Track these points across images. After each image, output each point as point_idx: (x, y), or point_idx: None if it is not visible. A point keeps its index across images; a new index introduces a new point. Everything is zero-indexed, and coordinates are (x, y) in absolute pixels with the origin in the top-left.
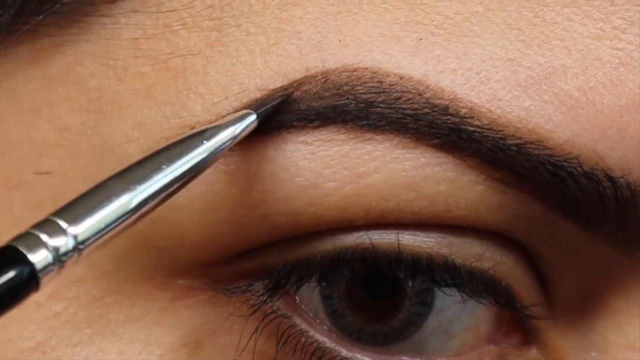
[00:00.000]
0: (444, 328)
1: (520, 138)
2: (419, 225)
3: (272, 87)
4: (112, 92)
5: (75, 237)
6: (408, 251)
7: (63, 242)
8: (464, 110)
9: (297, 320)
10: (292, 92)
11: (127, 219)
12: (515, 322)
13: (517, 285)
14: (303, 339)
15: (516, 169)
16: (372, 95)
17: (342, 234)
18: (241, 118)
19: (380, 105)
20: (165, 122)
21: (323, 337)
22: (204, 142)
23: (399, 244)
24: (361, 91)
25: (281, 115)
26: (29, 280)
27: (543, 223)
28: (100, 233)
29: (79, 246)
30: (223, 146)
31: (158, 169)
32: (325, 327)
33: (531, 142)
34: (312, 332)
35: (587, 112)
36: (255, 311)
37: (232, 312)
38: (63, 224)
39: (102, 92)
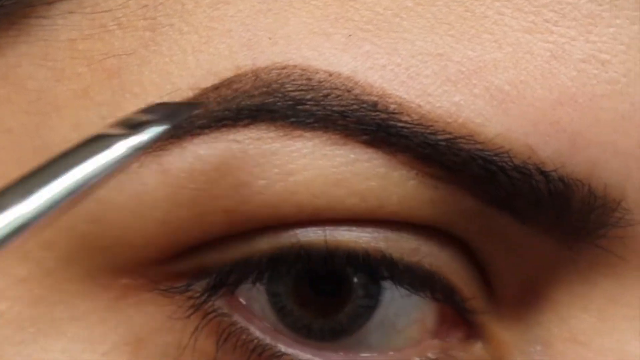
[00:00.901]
0: (391, 321)
1: (450, 133)
2: (354, 221)
3: (203, 85)
4: (50, 94)
5: None
6: (344, 247)
7: None
8: (392, 106)
9: (238, 318)
10: (198, 104)
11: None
12: (459, 316)
13: (457, 279)
14: (243, 337)
15: (447, 164)
16: (300, 92)
17: (277, 232)
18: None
19: (309, 102)
20: (102, 122)
21: (264, 334)
22: (111, 146)
23: (326, 239)
24: (290, 89)
25: (213, 113)
26: None
27: (479, 217)
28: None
29: None
30: (129, 154)
31: (62, 171)
32: (268, 324)
33: (461, 137)
34: (252, 329)
35: (518, 105)
36: (196, 310)
37: (174, 310)
38: None
39: (41, 93)
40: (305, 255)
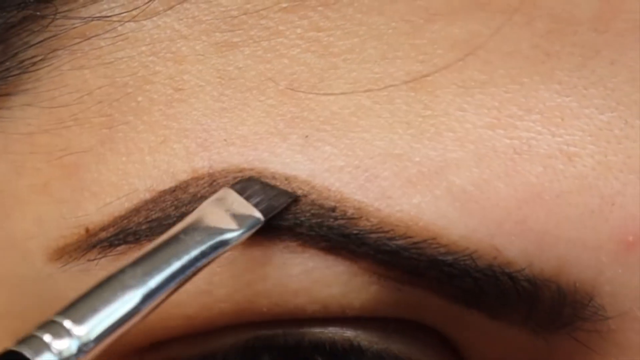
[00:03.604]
0: None
1: (411, 237)
2: (318, 320)
3: (161, 188)
4: (12, 187)
5: (79, 338)
6: (309, 337)
7: (66, 345)
8: (351, 211)
9: None
10: (298, 196)
11: (133, 317)
12: None
13: None
14: None
15: (409, 268)
16: None
17: (241, 329)
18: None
19: None
20: (62, 220)
21: None
22: (212, 238)
23: (284, 332)
24: None
25: (170, 219)
26: None
27: (447, 313)
28: (105, 335)
29: (83, 348)
30: (229, 246)
31: (165, 263)
32: None
33: (423, 241)
34: None
35: (482, 205)
36: None
37: None
38: (68, 324)
39: (2, 185)
40: (270, 348)
